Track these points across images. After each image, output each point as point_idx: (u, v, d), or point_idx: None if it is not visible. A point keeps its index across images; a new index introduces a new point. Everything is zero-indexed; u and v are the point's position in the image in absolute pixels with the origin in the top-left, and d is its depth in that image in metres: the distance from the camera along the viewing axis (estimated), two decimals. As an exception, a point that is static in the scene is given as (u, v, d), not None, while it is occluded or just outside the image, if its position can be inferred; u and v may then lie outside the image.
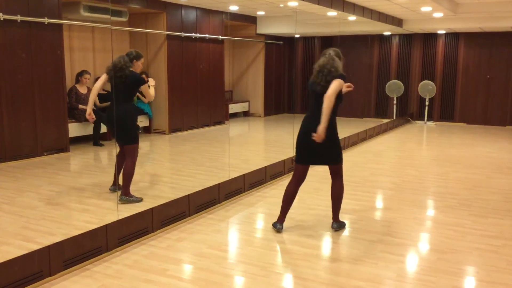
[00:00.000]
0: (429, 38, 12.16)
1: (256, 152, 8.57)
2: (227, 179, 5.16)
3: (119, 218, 3.80)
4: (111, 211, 4.49)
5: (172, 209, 4.28)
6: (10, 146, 6.62)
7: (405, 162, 7.39)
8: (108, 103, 7.67)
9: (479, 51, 11.67)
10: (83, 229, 3.63)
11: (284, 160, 6.20)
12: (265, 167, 5.83)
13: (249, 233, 4.19)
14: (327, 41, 13.13)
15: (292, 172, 4.27)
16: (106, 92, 8.14)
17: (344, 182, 4.28)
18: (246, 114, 13.00)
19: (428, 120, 12.03)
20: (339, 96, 3.98)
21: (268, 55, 12.88)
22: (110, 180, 5.37)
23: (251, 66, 12.90)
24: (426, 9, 8.85)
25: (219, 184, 4.95)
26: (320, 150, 4.00)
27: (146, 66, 9.37)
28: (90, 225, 4.00)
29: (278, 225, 4.16)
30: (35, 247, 3.33)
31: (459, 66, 11.92)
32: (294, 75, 13.90)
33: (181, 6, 9.38)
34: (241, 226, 4.37)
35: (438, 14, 9.71)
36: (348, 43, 12.74)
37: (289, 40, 13.58)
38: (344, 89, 4.34)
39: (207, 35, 10.11)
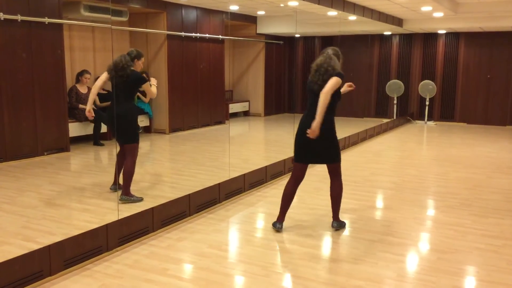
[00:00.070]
0: (430, 38, 12.16)
1: (256, 151, 8.57)
2: (228, 178, 5.16)
3: (119, 218, 3.80)
4: (112, 211, 4.49)
5: (173, 209, 4.28)
6: (11, 146, 6.62)
7: (405, 161, 7.39)
8: (108, 103, 7.69)
9: (479, 51, 11.67)
10: (84, 229, 3.64)
11: (284, 160, 6.20)
12: (266, 166, 5.83)
13: (250, 232, 4.19)
14: (328, 40, 13.13)
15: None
16: (106, 92, 8.15)
17: (344, 182, 4.29)
18: (246, 113, 13.00)
19: (428, 120, 12.03)
20: (337, 94, 3.99)
21: (269, 55, 12.88)
22: (111, 180, 5.37)
23: (252, 66, 12.90)
24: (426, 8, 8.85)
25: (219, 183, 4.95)
26: (318, 149, 4.01)
27: (146, 66, 9.37)
28: (90, 224, 4.00)
29: (277, 225, 4.16)
30: (36, 246, 3.34)
31: (459, 66, 11.92)
32: (294, 74, 13.90)
33: (181, 6, 9.38)
34: (242, 226, 4.37)
35: (438, 14, 9.70)
36: (349, 43, 12.74)
37: (289, 40, 13.58)
38: (345, 88, 4.35)
39: (207, 35, 10.11)
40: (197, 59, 10.05)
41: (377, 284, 3.20)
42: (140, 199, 4.82)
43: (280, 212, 4.20)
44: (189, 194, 4.51)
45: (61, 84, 7.25)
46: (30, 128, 6.85)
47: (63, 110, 7.32)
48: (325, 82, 3.89)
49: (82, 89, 8.03)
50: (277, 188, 5.57)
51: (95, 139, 8.02)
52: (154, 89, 5.13)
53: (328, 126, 3.97)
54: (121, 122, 4.75)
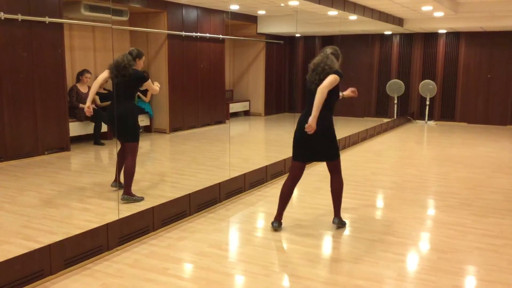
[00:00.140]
0: (430, 37, 12.15)
1: (256, 151, 8.57)
2: (228, 178, 5.16)
3: (119, 217, 3.80)
4: (112, 210, 4.49)
5: (173, 208, 4.28)
6: (11, 145, 6.62)
7: (405, 161, 7.39)
8: (108, 103, 7.68)
9: (480, 50, 11.66)
10: (84, 228, 3.64)
11: (284, 160, 6.19)
12: (266, 166, 5.83)
13: (250, 232, 4.19)
14: (328, 40, 13.12)
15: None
16: (106, 92, 8.15)
17: (345, 181, 4.29)
18: (246, 113, 13.00)
19: (428, 119, 12.02)
20: (335, 92, 3.99)
21: (269, 55, 12.88)
22: (111, 179, 5.38)
23: (252, 65, 12.90)
24: (426, 8, 8.84)
25: (219, 183, 4.95)
26: (317, 146, 4.02)
27: (146, 65, 9.37)
28: (91, 224, 4.01)
29: (274, 224, 4.17)
30: (36, 246, 3.33)
31: (460, 66, 11.91)
32: (294, 74, 13.90)
33: (181, 6, 9.38)
34: (242, 225, 4.38)
35: (438, 14, 9.70)
36: (349, 43, 12.74)
37: (289, 40, 13.58)
38: (349, 93, 4.37)
39: (207, 35, 10.11)
40: (198, 58, 10.05)
41: (377, 283, 3.20)
42: (141, 199, 4.83)
43: (277, 211, 4.21)
44: (189, 194, 4.51)
45: (62, 83, 7.25)
46: (31, 127, 6.85)
47: (64, 109, 7.33)
48: (321, 81, 3.91)
49: (83, 89, 8.03)
50: (278, 187, 5.55)
51: (96, 138, 8.02)
52: (156, 87, 5.14)
53: (327, 125, 3.98)
54: (121, 121, 4.76)
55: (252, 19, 11.61)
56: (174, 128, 9.58)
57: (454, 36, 11.88)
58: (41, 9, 6.81)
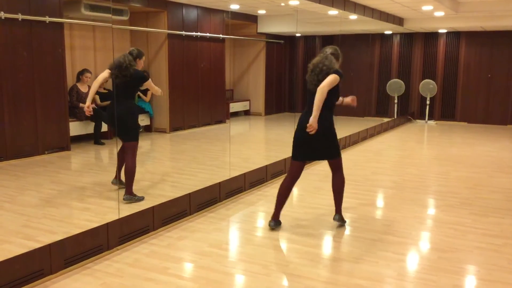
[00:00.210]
0: (430, 37, 12.15)
1: (257, 151, 8.57)
2: (228, 177, 5.16)
3: (120, 217, 3.80)
4: (112, 210, 4.49)
5: (173, 208, 4.28)
6: (11, 145, 6.62)
7: (406, 161, 7.39)
8: (108, 102, 7.68)
9: (480, 50, 11.66)
10: (84, 228, 3.64)
11: (285, 159, 6.19)
12: (266, 166, 5.83)
13: (250, 231, 4.19)
14: (328, 40, 13.12)
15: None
16: (107, 91, 8.15)
17: (345, 181, 4.28)
18: (247, 113, 13.00)
19: (429, 119, 12.02)
20: (335, 92, 3.99)
21: (269, 54, 12.88)
22: (111, 178, 5.36)
23: (252, 65, 12.90)
24: (427, 8, 8.84)
25: (220, 182, 4.95)
26: (318, 145, 4.01)
27: (147, 65, 9.38)
28: (91, 223, 4.01)
29: (271, 223, 4.17)
30: (36, 245, 3.33)
31: (460, 65, 11.91)
32: (295, 74, 13.90)
33: (182, 5, 9.38)
34: (242, 225, 4.38)
35: (439, 13, 9.70)
36: (349, 42, 12.74)
37: (290, 39, 13.57)
38: (348, 102, 4.35)
39: (208, 34, 10.10)
40: (198, 58, 10.05)
41: (377, 283, 3.20)
42: (142, 198, 4.83)
43: (275, 210, 4.21)
44: (189, 193, 4.51)
45: (62, 83, 7.25)
46: (31, 127, 6.85)
47: (64, 109, 7.33)
48: (320, 82, 3.91)
49: (83, 88, 8.03)
50: (278, 187, 5.55)
51: (96, 138, 8.02)
52: (157, 88, 5.16)
53: (327, 125, 3.98)
54: (121, 120, 4.76)
55: (252, 18, 11.61)
56: (174, 128, 9.59)
57: (455, 35, 11.88)
58: (41, 9, 6.81)
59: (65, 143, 7.37)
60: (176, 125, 9.65)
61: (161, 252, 3.66)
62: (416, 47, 12.35)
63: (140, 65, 4.95)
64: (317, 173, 6.12)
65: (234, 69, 13.07)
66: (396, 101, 12.25)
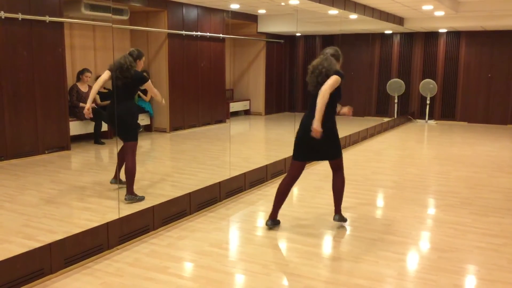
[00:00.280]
0: (431, 36, 12.15)
1: (257, 150, 8.57)
2: (228, 177, 5.16)
3: (120, 216, 3.80)
4: (112, 209, 4.50)
5: (173, 207, 4.29)
6: (11, 144, 6.62)
7: (406, 160, 7.39)
8: (108, 102, 7.69)
9: (480, 49, 11.66)
10: (84, 227, 3.64)
11: (285, 159, 6.19)
12: (266, 165, 5.83)
13: (250, 231, 4.19)
14: (328, 39, 13.12)
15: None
16: (107, 91, 8.15)
17: (345, 181, 4.28)
18: (247, 112, 13.00)
19: (429, 118, 12.02)
20: (337, 93, 3.98)
21: (269, 54, 12.87)
22: (111, 178, 5.37)
23: (252, 64, 12.90)
24: (427, 7, 8.84)
25: (220, 182, 4.95)
26: (319, 146, 4.00)
27: (147, 65, 9.37)
28: (91, 223, 4.01)
29: (269, 222, 4.17)
30: (36, 245, 3.34)
31: (460, 65, 11.91)
32: (295, 73, 13.90)
33: (182, 5, 9.38)
34: (242, 224, 4.38)
35: (439, 13, 9.69)
36: (349, 42, 12.74)
37: (290, 39, 13.57)
38: (345, 110, 4.33)
39: (208, 34, 10.10)
40: (198, 57, 10.05)
41: (377, 282, 3.20)
42: (142, 198, 4.83)
43: (272, 210, 4.21)
44: (189, 193, 4.51)
45: (62, 82, 7.25)
46: (31, 126, 6.85)
47: (64, 108, 7.33)
48: (319, 84, 3.90)
49: (83, 88, 8.03)
50: (278, 186, 5.56)
51: (96, 137, 8.02)
52: (155, 90, 5.14)
53: (330, 125, 3.97)
54: (121, 120, 4.76)
55: (253, 18, 11.61)
56: (174, 127, 9.59)
57: (455, 35, 11.88)
58: (42, 8, 6.81)
59: (65, 142, 7.37)
60: (176, 125, 9.65)
61: (161, 251, 3.66)
62: (416, 47, 12.35)
63: (140, 65, 4.95)
64: (317, 172, 6.12)
65: (234, 68, 13.07)
66: (396, 100, 12.25)
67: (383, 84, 12.64)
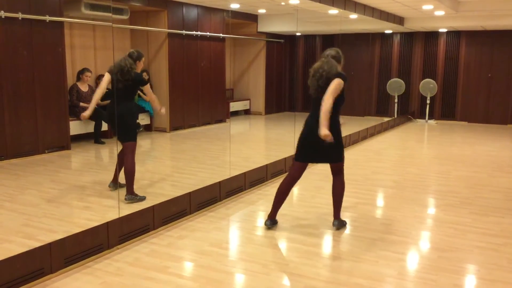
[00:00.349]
0: (431, 36, 12.14)
1: (257, 150, 8.57)
2: (228, 177, 5.16)
3: (120, 216, 3.80)
4: (112, 209, 4.50)
5: (173, 207, 4.29)
6: (11, 144, 6.62)
7: (406, 160, 7.39)
8: (108, 101, 7.69)
9: (480, 49, 11.66)
10: (84, 227, 3.64)
11: (285, 158, 6.19)
12: (266, 165, 5.83)
13: (250, 231, 4.19)
14: (328, 39, 13.12)
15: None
16: (107, 90, 8.12)
17: (345, 180, 4.28)
18: (247, 112, 12.99)
19: (429, 118, 12.02)
20: (341, 96, 3.97)
21: (269, 53, 12.87)
22: (111, 177, 5.36)
23: (252, 64, 12.89)
24: (427, 7, 8.83)
25: (220, 182, 4.95)
26: (322, 148, 3.99)
27: (147, 64, 9.37)
28: (91, 222, 4.01)
29: (267, 222, 4.17)
30: (36, 244, 3.34)
31: (460, 65, 11.91)
32: (295, 73, 13.89)
33: (182, 4, 9.38)
34: (242, 224, 4.38)
35: (439, 13, 9.69)
36: (349, 41, 12.73)
37: (290, 38, 13.57)
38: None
39: (208, 33, 10.10)
40: (198, 57, 10.04)
41: (377, 282, 3.20)
42: (143, 198, 4.82)
43: (272, 210, 4.21)
44: (189, 192, 4.51)
45: (62, 82, 7.25)
46: (31, 126, 6.85)
47: (64, 108, 7.33)
48: (320, 87, 3.90)
49: (83, 87, 8.03)
50: (278, 186, 5.56)
51: (96, 137, 8.02)
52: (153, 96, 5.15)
53: (334, 128, 3.95)
54: (121, 120, 4.77)
55: (253, 18, 11.61)
56: (174, 127, 9.58)
57: (455, 35, 11.88)
58: (42, 8, 6.81)
59: (65, 142, 7.37)
60: (176, 124, 9.65)
61: (161, 251, 3.67)
62: (417, 47, 12.35)
63: (140, 66, 4.95)
64: (318, 172, 6.12)
65: (234, 68, 13.07)
66: (396, 100, 12.25)
67: (383, 84, 12.64)
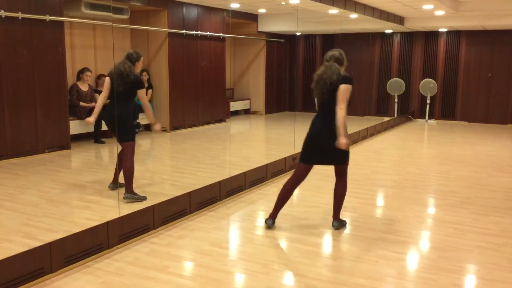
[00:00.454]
0: (431, 36, 12.14)
1: (257, 150, 8.57)
2: (228, 176, 5.16)
3: (120, 215, 3.80)
4: (112, 208, 4.50)
5: (173, 206, 4.29)
6: (12, 143, 6.62)
7: (406, 160, 7.39)
8: (108, 101, 7.69)
9: (480, 49, 11.65)
10: (84, 226, 3.64)
11: (285, 158, 6.19)
12: (266, 165, 5.83)
13: (250, 230, 4.19)
14: (328, 39, 13.12)
15: (293, 170, 4.27)
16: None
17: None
18: (247, 112, 13.00)
19: (429, 118, 12.02)
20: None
21: (269, 53, 12.87)
22: (111, 177, 5.36)
23: (252, 64, 12.89)
24: (427, 7, 8.83)
25: (220, 181, 4.95)
26: (328, 151, 3.99)
27: (147, 64, 9.37)
28: (91, 222, 4.00)
29: (268, 221, 4.17)
30: (37, 244, 3.34)
31: (460, 64, 11.91)
32: (295, 73, 13.89)
33: (182, 4, 9.38)
34: (242, 224, 4.38)
35: (439, 12, 9.69)
36: (350, 41, 12.73)
37: (290, 38, 13.57)
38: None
39: (208, 33, 10.10)
40: (198, 57, 10.04)
41: (378, 282, 3.20)
42: (144, 198, 4.81)
43: (273, 209, 4.21)
44: (189, 192, 4.51)
45: (62, 81, 7.25)
46: (31, 125, 6.85)
47: (64, 107, 7.33)
48: (324, 94, 3.95)
49: (83, 87, 8.03)
50: (278, 186, 5.55)
51: (96, 137, 8.02)
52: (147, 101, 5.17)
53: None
54: (120, 120, 4.78)
55: (253, 17, 11.61)
56: (174, 127, 9.58)
57: (455, 34, 11.87)
58: (42, 7, 6.81)
59: (65, 141, 7.37)
60: (176, 124, 9.65)
61: (161, 250, 3.67)
62: (417, 46, 12.35)
63: (139, 66, 4.95)
64: (318, 172, 6.11)
65: (235, 68, 13.07)
66: (396, 100, 12.25)
67: (383, 84, 12.64)
